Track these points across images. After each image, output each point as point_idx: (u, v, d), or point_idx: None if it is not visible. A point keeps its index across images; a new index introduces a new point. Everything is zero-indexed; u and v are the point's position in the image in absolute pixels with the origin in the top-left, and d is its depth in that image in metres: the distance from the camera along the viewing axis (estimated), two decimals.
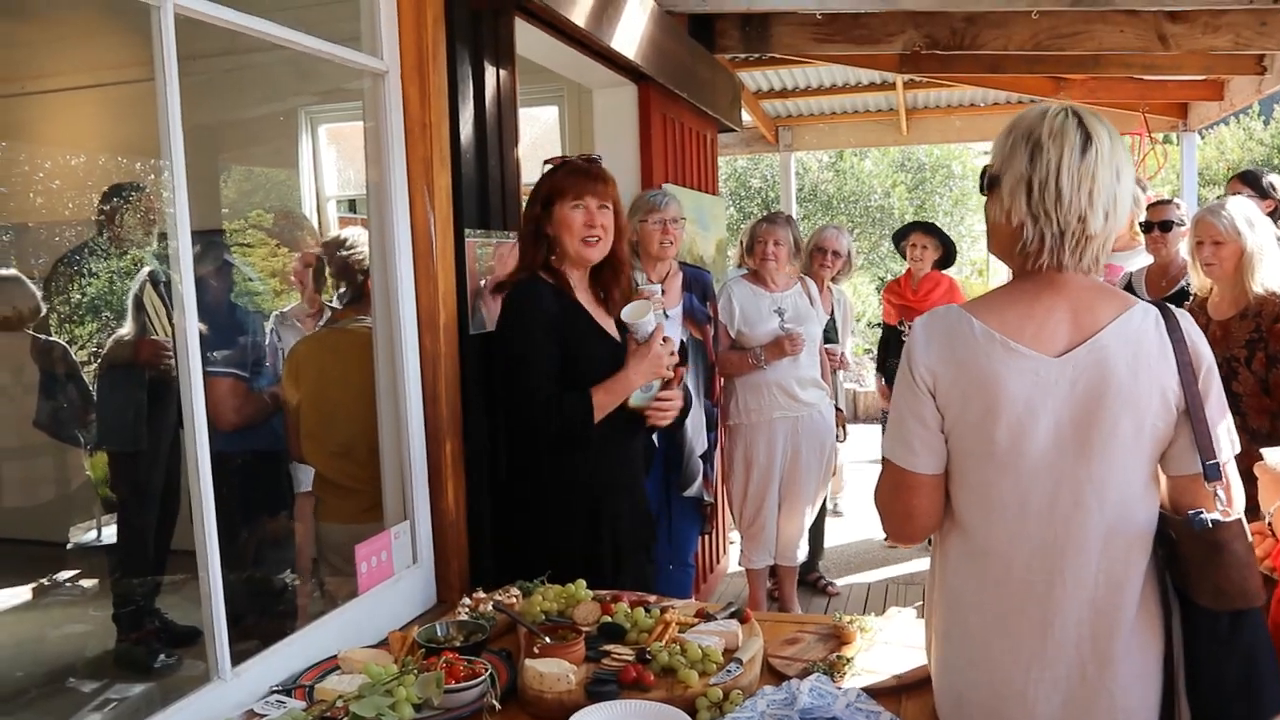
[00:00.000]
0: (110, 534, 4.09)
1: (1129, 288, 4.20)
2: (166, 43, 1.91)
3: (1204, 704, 1.68)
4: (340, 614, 2.34)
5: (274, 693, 2.00)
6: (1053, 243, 1.68)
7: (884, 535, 6.34)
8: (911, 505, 1.79)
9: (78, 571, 3.90)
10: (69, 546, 4.15)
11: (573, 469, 2.63)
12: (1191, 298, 3.75)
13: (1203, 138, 15.19)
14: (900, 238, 6.07)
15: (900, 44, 5.14)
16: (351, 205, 5.99)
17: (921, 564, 5.58)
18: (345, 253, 3.08)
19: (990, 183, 1.77)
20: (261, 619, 2.39)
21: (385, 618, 2.44)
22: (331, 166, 5.87)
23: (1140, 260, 4.44)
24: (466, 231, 2.74)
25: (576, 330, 2.63)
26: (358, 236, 3.06)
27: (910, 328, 5.05)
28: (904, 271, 6.15)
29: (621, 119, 4.48)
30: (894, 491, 1.80)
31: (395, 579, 2.51)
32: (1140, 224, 4.38)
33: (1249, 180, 4.79)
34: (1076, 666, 1.69)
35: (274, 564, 2.98)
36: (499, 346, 2.68)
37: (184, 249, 1.96)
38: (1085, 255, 1.69)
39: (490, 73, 2.89)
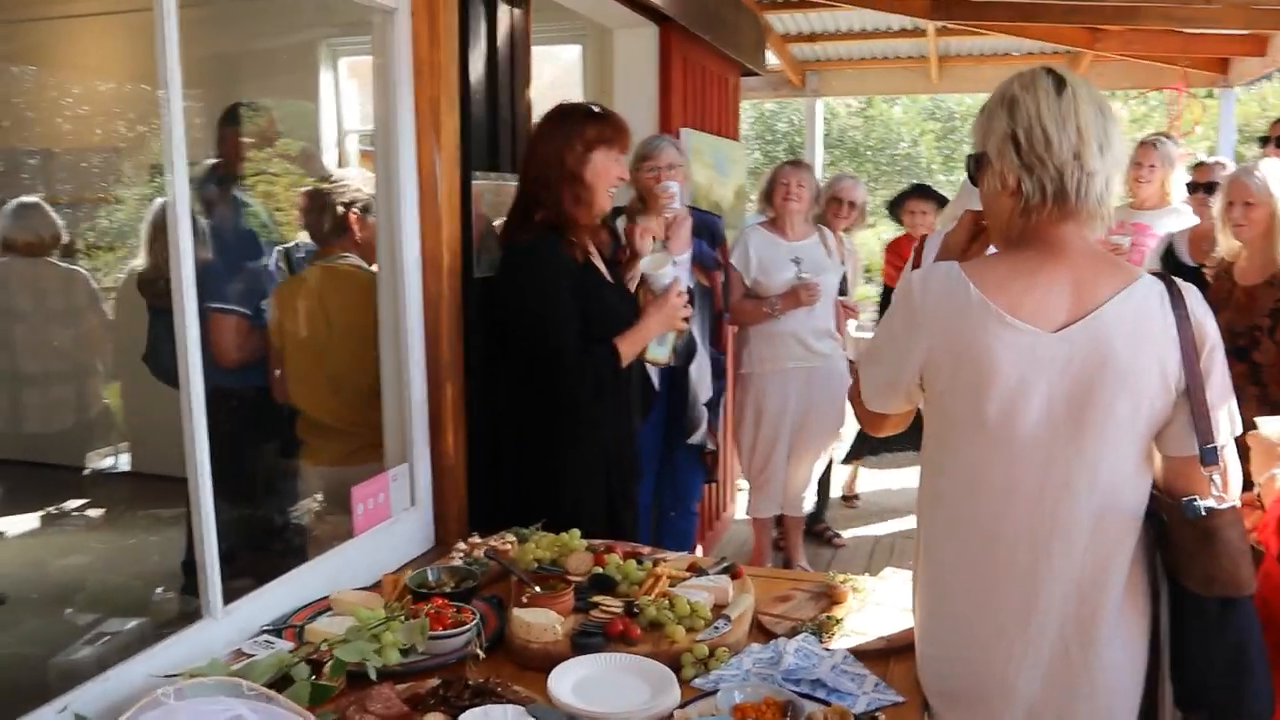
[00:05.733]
0: (126, 461, 4.14)
1: (1170, 250, 4.09)
2: None
3: (1187, 688, 1.67)
4: (336, 554, 2.35)
5: (264, 632, 2.01)
6: (1054, 187, 1.63)
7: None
8: (884, 424, 1.92)
9: (87, 500, 3.93)
10: (85, 473, 4.19)
11: (581, 419, 2.64)
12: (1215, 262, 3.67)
13: (1244, 93, 14.78)
14: (897, 204, 5.94)
15: None
16: (372, 140, 5.95)
17: None
18: (328, 187, 3.08)
19: (979, 162, 1.74)
20: (255, 557, 2.41)
21: (381, 559, 2.45)
22: (352, 100, 5.82)
23: (1172, 221, 4.33)
24: (474, 174, 2.71)
25: (593, 283, 2.64)
26: (346, 174, 3.06)
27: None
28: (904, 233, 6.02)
29: (641, 61, 4.40)
30: (869, 417, 1.91)
31: (392, 521, 2.52)
32: (1186, 184, 4.28)
33: None
34: (1060, 646, 1.67)
35: (272, 502, 3.00)
36: (514, 301, 2.61)
37: (180, 182, 1.94)
38: (1090, 194, 1.64)
39: (504, 11, 2.84)
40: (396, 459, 2.62)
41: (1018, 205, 1.67)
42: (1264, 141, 4.37)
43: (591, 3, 3.86)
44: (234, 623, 2.02)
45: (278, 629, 2.03)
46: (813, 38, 7.67)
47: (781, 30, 7.45)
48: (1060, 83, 1.64)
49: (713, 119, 4.99)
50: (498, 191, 2.81)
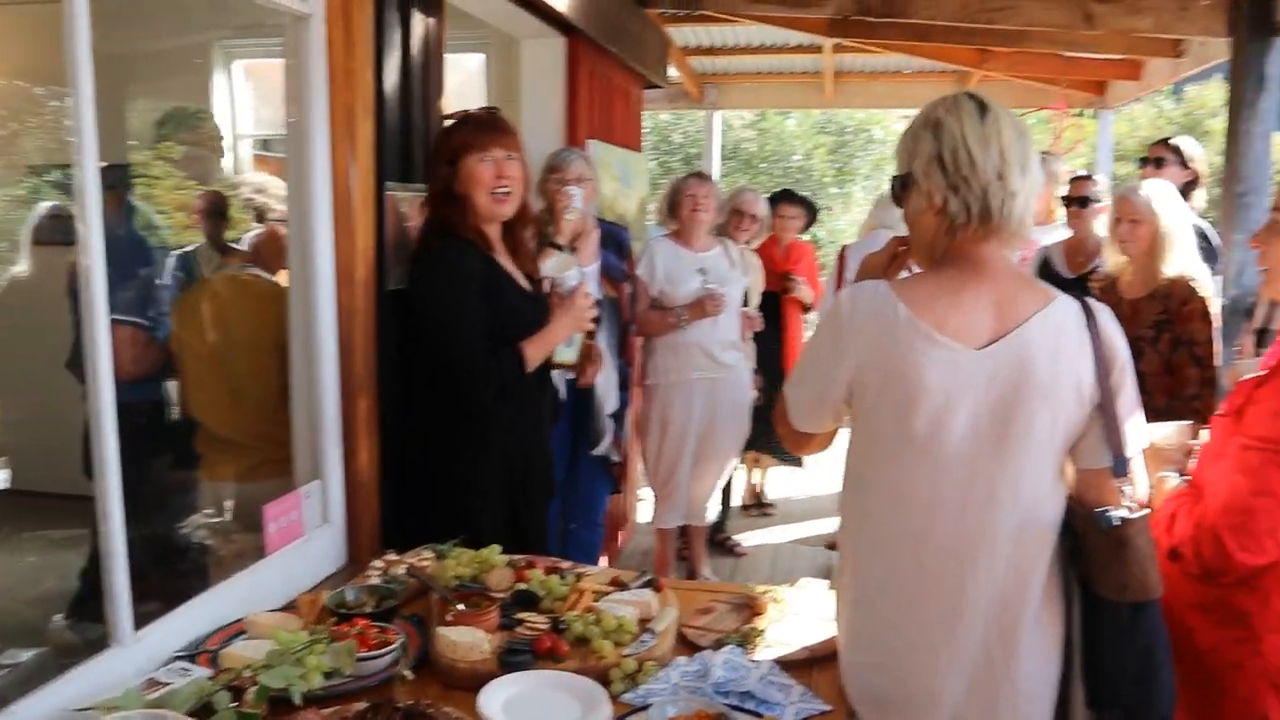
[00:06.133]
0: (3, 478, 3.93)
1: (1046, 262, 4.26)
2: None
3: (1099, 689, 1.73)
4: (248, 575, 2.27)
5: (177, 659, 1.93)
6: (978, 206, 1.68)
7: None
8: (810, 444, 1.93)
9: None
10: None
11: (490, 426, 2.62)
12: (1093, 274, 3.83)
13: (1115, 114, 15.48)
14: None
15: (831, 8, 5.12)
16: (265, 144, 5.80)
17: (828, 524, 5.66)
18: (227, 193, 3.01)
19: (904, 183, 1.78)
20: (161, 578, 2.31)
21: (295, 579, 2.38)
22: (246, 104, 5.66)
23: (1055, 235, 4.51)
24: (387, 184, 2.66)
25: (499, 288, 2.62)
26: (245, 179, 2.99)
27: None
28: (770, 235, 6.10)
29: (549, 72, 4.38)
30: (794, 437, 1.91)
31: (305, 539, 2.45)
32: (1062, 198, 4.45)
33: (1172, 147, 4.59)
34: (983, 655, 1.72)
35: (176, 520, 2.89)
36: (418, 308, 2.62)
37: (90, 184, 1.86)
38: (1012, 213, 1.69)
39: (417, 19, 2.79)
40: (308, 475, 2.55)
41: (943, 224, 1.72)
42: (1143, 162, 4.58)
43: (499, 12, 3.82)
44: (144, 649, 1.93)
45: (191, 654, 1.95)
46: (712, 51, 7.77)
47: (682, 43, 7.52)
48: (983, 107, 1.70)
49: (617, 130, 5.00)
50: (411, 202, 2.77)
